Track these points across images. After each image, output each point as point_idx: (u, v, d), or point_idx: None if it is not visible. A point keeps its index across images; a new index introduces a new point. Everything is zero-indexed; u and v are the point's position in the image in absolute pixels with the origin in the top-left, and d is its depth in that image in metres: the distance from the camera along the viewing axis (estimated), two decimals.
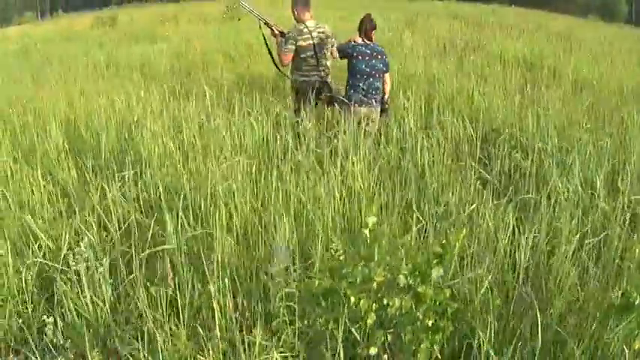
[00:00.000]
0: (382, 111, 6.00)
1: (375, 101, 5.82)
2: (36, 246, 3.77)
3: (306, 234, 3.69)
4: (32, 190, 4.57)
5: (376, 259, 2.56)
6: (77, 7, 66.56)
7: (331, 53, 6.00)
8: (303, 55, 5.92)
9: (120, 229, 3.65)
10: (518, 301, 3.02)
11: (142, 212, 3.98)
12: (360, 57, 5.70)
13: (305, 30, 5.89)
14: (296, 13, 5.98)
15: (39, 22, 49.42)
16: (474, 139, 5.42)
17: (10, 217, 4.22)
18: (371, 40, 5.87)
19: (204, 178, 3.97)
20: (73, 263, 3.28)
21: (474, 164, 4.74)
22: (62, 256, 3.47)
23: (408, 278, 2.54)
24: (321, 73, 5.96)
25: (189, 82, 8.06)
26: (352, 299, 2.51)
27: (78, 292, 3.14)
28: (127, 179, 4.13)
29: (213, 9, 25.52)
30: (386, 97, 6.03)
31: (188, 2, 43.99)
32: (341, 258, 2.73)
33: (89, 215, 3.80)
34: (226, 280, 2.87)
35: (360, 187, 4.27)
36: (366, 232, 2.56)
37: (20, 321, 3.30)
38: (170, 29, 17.53)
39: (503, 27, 18.14)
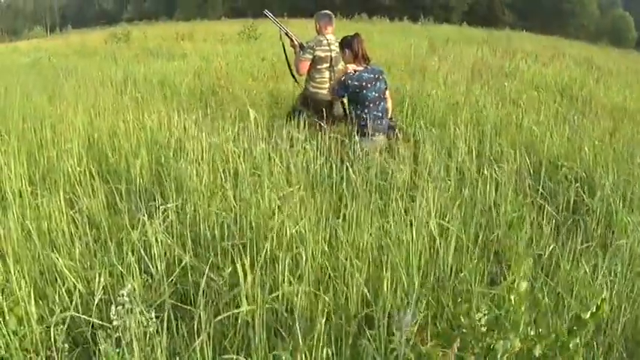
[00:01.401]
0: (390, 128, 5.58)
1: (387, 125, 5.52)
2: (63, 289, 3.20)
3: (389, 283, 3.17)
4: (53, 219, 4.03)
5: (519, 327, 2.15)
6: (86, 24, 66.94)
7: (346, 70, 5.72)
8: (319, 67, 6.03)
9: (169, 275, 3.07)
10: None
11: (189, 253, 3.40)
12: (369, 85, 5.27)
13: (324, 41, 6.01)
14: (318, 26, 6.12)
15: (48, 37, 49.42)
16: (531, 171, 5.07)
17: (30, 251, 3.68)
18: (369, 61, 5.46)
19: (265, 215, 3.42)
20: (114, 315, 2.70)
21: (541, 201, 4.42)
22: (95, 303, 2.92)
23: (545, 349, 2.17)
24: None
25: (218, 101, 7.52)
26: None
27: (121, 354, 2.56)
28: (169, 211, 3.55)
29: (226, 28, 25.28)
30: (390, 113, 5.72)
31: (199, 21, 44.10)
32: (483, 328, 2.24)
33: (127, 254, 3.23)
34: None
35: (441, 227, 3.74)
36: (513, 297, 2.23)
37: None
38: (188, 47, 17.07)
39: (525, 52, 17.86)
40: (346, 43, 5.45)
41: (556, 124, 7.10)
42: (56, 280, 3.29)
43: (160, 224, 3.35)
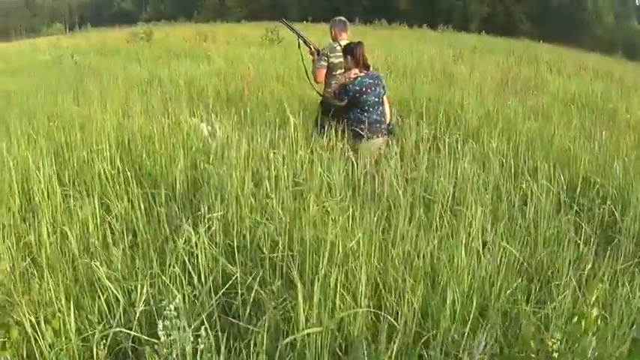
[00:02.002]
0: (389, 132, 5.71)
1: (386, 128, 5.64)
2: (102, 299, 3.05)
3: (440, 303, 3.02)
4: (87, 224, 3.89)
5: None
6: (104, 23, 67.13)
7: None
8: (334, 73, 6.06)
9: (216, 288, 2.91)
10: None
11: (236, 265, 3.23)
12: (368, 90, 5.41)
13: (338, 48, 5.99)
14: (333, 33, 6.20)
15: (68, 35, 49.54)
16: (566, 189, 4.89)
17: (64, 257, 3.53)
18: (369, 68, 5.60)
19: (313, 226, 3.25)
20: (162, 331, 2.55)
21: (576, 218, 4.38)
22: (136, 316, 2.77)
23: None
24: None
25: (250, 106, 7.36)
26: None
27: None
28: (213, 220, 3.38)
29: (248, 31, 25.20)
30: (389, 118, 5.79)
31: (218, 23, 44.09)
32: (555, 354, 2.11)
33: (171, 265, 3.07)
34: None
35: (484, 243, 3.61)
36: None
37: None
38: (211, 49, 16.95)
39: (547, 64, 17.63)
40: (348, 50, 5.57)
41: (586, 138, 7.03)
42: (95, 290, 3.13)
43: (204, 234, 3.19)
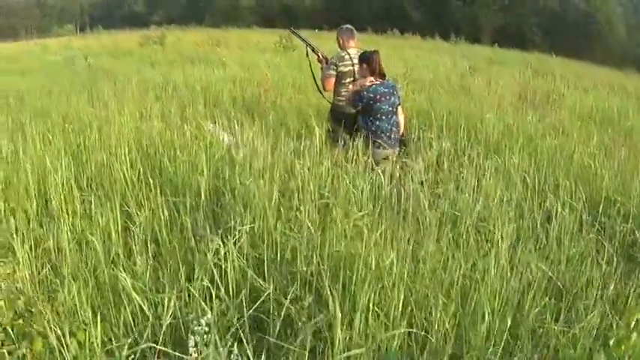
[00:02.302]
0: (401, 142, 5.79)
1: (398, 138, 5.67)
2: (127, 310, 2.94)
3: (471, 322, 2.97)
4: (108, 231, 3.79)
5: None
6: (114, 25, 67.33)
7: None
8: (343, 81, 6.02)
9: (247, 304, 2.81)
10: None
11: (265, 279, 3.13)
12: (382, 98, 5.44)
13: (346, 57, 6.00)
14: (341, 41, 6.17)
15: (79, 36, 49.64)
16: (587, 206, 4.80)
17: (86, 266, 3.43)
18: (384, 77, 5.62)
19: (344, 242, 3.15)
20: (192, 347, 2.44)
21: (598, 237, 4.31)
22: (163, 330, 2.67)
23: None
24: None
25: (269, 113, 7.28)
26: None
27: None
28: (242, 232, 3.28)
29: (260, 37, 25.15)
30: (402, 129, 5.84)
31: (229, 29, 44.08)
32: None
33: (198, 279, 2.97)
34: None
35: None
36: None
37: None
38: (225, 54, 16.89)
39: (563, 78, 17.47)
40: (365, 58, 5.61)
41: (605, 154, 6.92)
42: (119, 300, 3.03)
43: (233, 246, 3.08)
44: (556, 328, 3.13)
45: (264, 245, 3.31)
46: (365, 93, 5.43)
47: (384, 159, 5.35)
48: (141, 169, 4.80)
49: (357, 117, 5.74)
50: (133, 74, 12.14)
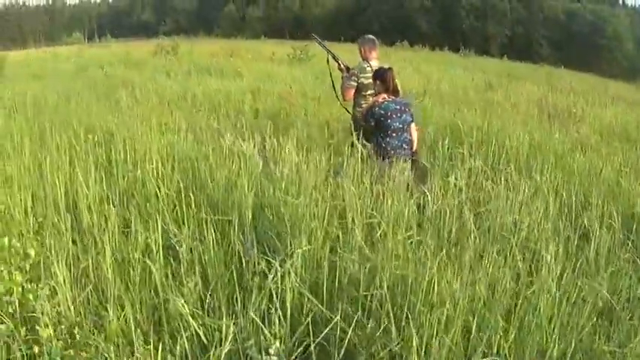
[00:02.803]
0: (412, 162, 5.58)
1: (407, 155, 5.50)
2: (184, 337, 2.78)
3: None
4: (149, 251, 3.64)
5: None
6: (123, 34, 67.60)
7: None
8: (363, 93, 6.03)
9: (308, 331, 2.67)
10: None
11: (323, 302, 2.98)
12: (393, 115, 5.37)
13: (368, 69, 6.00)
14: (363, 51, 6.17)
15: (86, 44, 49.74)
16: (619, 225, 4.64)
17: (128, 289, 3.28)
18: (398, 94, 5.57)
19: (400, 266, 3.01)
20: None
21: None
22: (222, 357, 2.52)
23: None
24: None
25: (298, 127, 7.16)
26: None
27: None
28: (295, 254, 3.13)
29: (273, 48, 25.07)
30: (415, 147, 5.75)
31: (240, 39, 44.15)
32: None
33: (255, 304, 2.81)
34: None
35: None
36: None
37: None
38: (240, 65, 16.79)
39: (577, 92, 17.34)
40: (379, 75, 5.56)
41: (632, 171, 6.83)
42: (171, 326, 2.88)
43: (290, 270, 2.93)
44: (606, 348, 3.08)
45: (317, 267, 3.16)
46: (376, 110, 5.38)
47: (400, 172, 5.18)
48: (176, 185, 4.63)
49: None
50: (150, 84, 12.02)
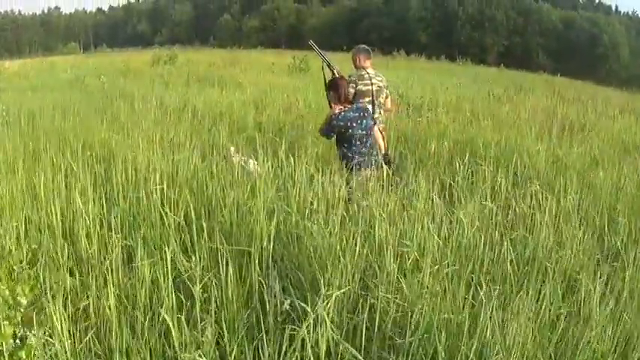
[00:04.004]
0: (387, 163, 5.53)
1: (376, 160, 5.42)
2: None
3: None
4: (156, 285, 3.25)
5: None
6: (119, 44, 67.40)
7: (384, 104, 6.22)
8: (361, 100, 5.96)
9: None
10: None
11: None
12: (354, 123, 5.25)
13: (366, 75, 6.05)
14: (357, 60, 6.21)
15: (84, 54, 49.50)
16: None
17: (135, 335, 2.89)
18: (351, 103, 5.58)
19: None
20: None
21: None
22: None
23: None
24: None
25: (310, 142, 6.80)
26: None
27: None
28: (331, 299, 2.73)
29: (271, 58, 24.74)
30: (383, 150, 5.86)
31: (237, 49, 43.87)
32: None
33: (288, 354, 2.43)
34: None
35: None
36: None
37: None
38: (239, 75, 16.43)
39: (580, 101, 17.05)
40: (333, 86, 5.46)
41: None
42: None
43: (325, 316, 2.54)
44: None
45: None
46: (335, 122, 5.27)
47: (367, 181, 5.09)
48: (184, 209, 4.23)
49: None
50: (149, 95, 11.63)
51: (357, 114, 5.31)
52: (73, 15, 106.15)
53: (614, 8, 78.73)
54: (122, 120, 8.49)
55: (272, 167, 4.75)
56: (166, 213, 4.01)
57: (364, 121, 5.32)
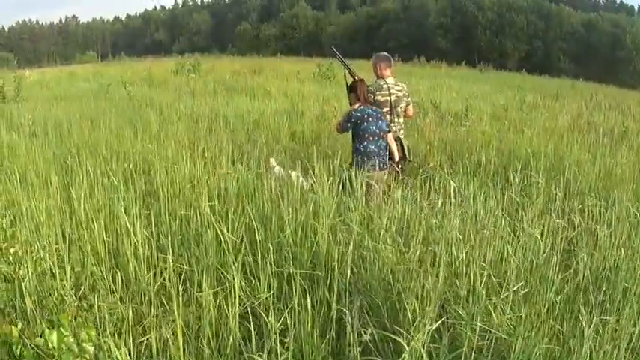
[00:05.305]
0: (402, 171, 5.94)
1: (387, 163, 5.66)
2: None
3: None
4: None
5: None
6: (137, 52, 67.61)
7: (406, 112, 6.20)
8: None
9: None
10: None
11: None
12: (370, 119, 5.50)
13: (385, 86, 6.02)
14: (378, 68, 6.16)
15: (102, 63, 49.61)
16: None
17: None
18: (371, 104, 5.74)
19: None
20: None
21: None
22: None
23: None
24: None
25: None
26: None
27: None
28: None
29: (293, 66, 24.54)
30: (396, 156, 5.87)
31: (254, 58, 43.69)
32: None
33: None
34: None
35: None
36: None
37: None
38: (265, 83, 16.15)
39: (609, 107, 16.57)
40: (353, 87, 5.71)
41: None
42: None
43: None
44: None
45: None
46: (353, 113, 5.53)
47: (376, 182, 5.25)
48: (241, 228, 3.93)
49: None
50: (177, 104, 11.40)
51: (374, 112, 5.55)
52: (91, 24, 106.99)
53: (636, 8, 77.68)
54: (154, 130, 8.24)
55: (328, 182, 4.38)
56: (222, 233, 3.72)
57: (379, 122, 5.53)
